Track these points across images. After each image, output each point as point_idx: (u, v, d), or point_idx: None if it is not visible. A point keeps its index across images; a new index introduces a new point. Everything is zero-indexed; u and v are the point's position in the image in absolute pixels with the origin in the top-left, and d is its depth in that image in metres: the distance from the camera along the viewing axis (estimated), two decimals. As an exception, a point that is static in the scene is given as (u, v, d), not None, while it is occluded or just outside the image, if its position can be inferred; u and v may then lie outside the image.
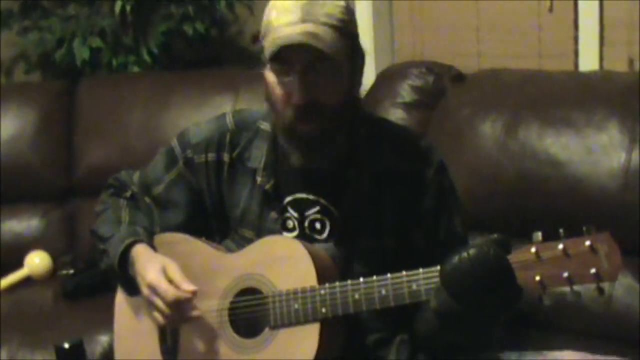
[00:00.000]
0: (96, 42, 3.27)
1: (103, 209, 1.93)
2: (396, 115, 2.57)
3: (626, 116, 2.22)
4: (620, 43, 2.82)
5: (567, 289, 1.46)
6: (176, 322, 1.75)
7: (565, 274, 1.45)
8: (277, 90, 1.66)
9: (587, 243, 1.45)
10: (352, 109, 1.74)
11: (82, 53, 3.25)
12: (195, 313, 1.71)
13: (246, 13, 3.49)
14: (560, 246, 1.46)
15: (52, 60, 3.37)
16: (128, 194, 1.94)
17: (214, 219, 1.85)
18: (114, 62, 3.30)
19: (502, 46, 3.07)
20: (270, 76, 1.68)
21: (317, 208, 1.77)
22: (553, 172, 2.25)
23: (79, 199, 3.00)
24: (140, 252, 1.79)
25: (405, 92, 2.64)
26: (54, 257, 2.87)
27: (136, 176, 1.95)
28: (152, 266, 1.75)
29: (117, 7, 3.24)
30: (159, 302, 1.72)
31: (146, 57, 3.29)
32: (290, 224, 1.78)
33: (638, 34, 2.76)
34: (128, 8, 3.26)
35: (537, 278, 1.47)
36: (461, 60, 2.85)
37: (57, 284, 2.73)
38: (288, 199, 1.78)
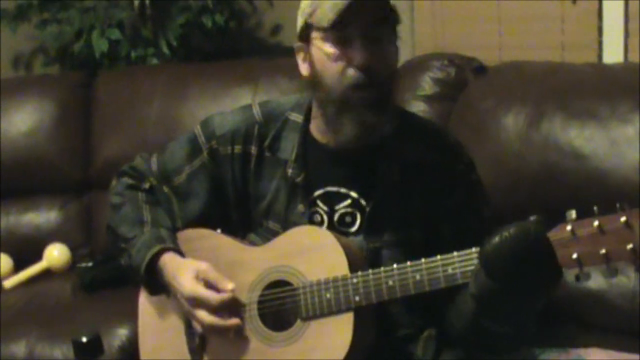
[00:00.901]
0: (115, 34, 3.27)
1: (121, 203, 1.89)
2: (417, 107, 2.54)
3: (651, 108, 2.18)
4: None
5: (603, 266, 1.43)
6: (221, 327, 1.72)
7: (603, 251, 1.42)
8: (332, 61, 1.65)
9: (623, 219, 1.42)
10: (395, 88, 1.73)
11: (100, 45, 3.24)
12: (234, 321, 1.70)
13: (265, 5, 3.48)
14: (596, 223, 1.43)
15: (70, 52, 3.38)
16: (147, 185, 1.90)
17: (236, 211, 1.83)
18: (133, 55, 3.29)
19: (524, 38, 3.04)
20: (320, 50, 1.67)
21: (347, 201, 1.75)
22: (577, 164, 2.22)
23: (97, 192, 2.99)
24: (168, 263, 1.77)
25: (427, 84, 2.61)
26: (72, 250, 2.87)
27: (154, 162, 1.91)
28: (184, 277, 1.73)
29: (136, -1, 3.24)
30: (201, 313, 1.70)
31: (165, 50, 3.28)
32: (317, 217, 1.77)
33: (663, 26, 2.72)
34: (147, 0, 3.25)
35: (575, 256, 1.44)
36: (483, 52, 2.81)
37: (75, 276, 2.72)
38: (318, 192, 1.77)
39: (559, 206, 2.20)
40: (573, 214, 1.46)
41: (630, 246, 1.41)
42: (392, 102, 1.71)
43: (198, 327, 1.75)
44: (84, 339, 1.43)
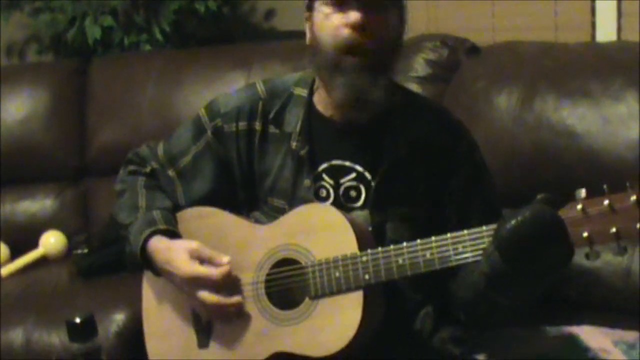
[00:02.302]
0: (108, 21, 3.27)
1: (122, 190, 1.90)
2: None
3: (644, 86, 2.18)
4: (638, 13, 2.77)
5: (613, 244, 1.45)
6: (225, 305, 1.72)
7: (613, 229, 1.43)
8: (328, 20, 1.66)
9: (633, 198, 1.43)
10: (395, 62, 1.72)
11: (93, 32, 3.25)
12: (237, 297, 1.71)
13: (258, -11, 3.48)
14: (607, 202, 1.44)
15: (64, 40, 3.37)
16: (148, 169, 1.91)
17: (243, 190, 1.83)
18: (126, 41, 3.29)
19: (518, 19, 3.03)
20: (319, 12, 1.68)
21: (352, 175, 1.75)
22: (570, 143, 2.22)
23: (92, 178, 3.00)
24: (158, 247, 1.77)
25: (420, 65, 2.61)
26: (69, 237, 2.87)
27: (160, 148, 1.91)
28: (178, 259, 1.73)
29: (129, -15, 3.23)
30: (204, 293, 1.70)
31: (158, 36, 3.28)
32: (323, 192, 1.76)
33: (656, 4, 2.72)
34: (139, -14, 3.26)
35: (585, 234, 1.45)
36: (476, 34, 2.81)
37: (71, 263, 2.72)
38: (323, 165, 1.76)
39: (553, 185, 2.23)
40: (583, 192, 1.47)
41: None
42: (387, 73, 1.70)
43: (202, 309, 1.75)
44: (78, 320, 1.43)
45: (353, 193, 1.75)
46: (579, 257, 1.49)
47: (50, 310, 2.43)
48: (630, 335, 1.99)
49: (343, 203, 1.75)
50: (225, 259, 1.71)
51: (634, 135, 2.16)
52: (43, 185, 3.00)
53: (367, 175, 1.74)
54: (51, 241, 2.84)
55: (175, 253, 1.74)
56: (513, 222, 1.46)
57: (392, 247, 1.60)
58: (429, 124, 1.77)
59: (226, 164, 1.83)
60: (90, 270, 2.65)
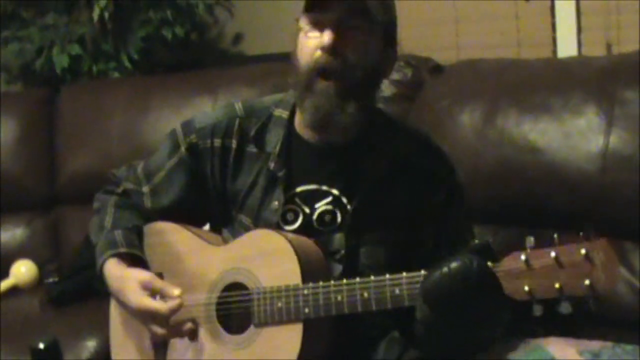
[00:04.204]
0: (75, 49, 3.27)
1: (97, 208, 1.90)
2: (375, 109, 2.56)
3: (603, 99, 2.22)
4: (598, 28, 2.83)
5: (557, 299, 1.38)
6: (176, 334, 1.72)
7: (557, 285, 1.36)
8: (305, 44, 1.66)
9: (583, 251, 1.36)
10: (373, 88, 1.72)
11: (61, 61, 3.25)
12: (188, 326, 1.71)
13: (226, 15, 3.49)
14: (553, 254, 1.38)
15: (32, 70, 3.37)
16: (120, 189, 1.90)
17: (216, 206, 1.82)
18: (94, 69, 3.30)
19: (481, 37, 3.08)
20: (300, 30, 1.68)
21: (328, 199, 1.74)
22: (532, 158, 2.25)
23: (62, 207, 3.00)
24: (111, 274, 1.76)
25: (384, 85, 2.59)
26: (40, 266, 2.87)
27: (140, 166, 1.91)
28: (128, 290, 1.72)
29: (96, 13, 3.24)
30: (154, 326, 1.70)
31: (126, 63, 3.29)
32: (291, 215, 1.75)
33: (615, 19, 2.76)
34: (107, 15, 3.26)
35: (526, 288, 1.39)
36: (440, 53, 2.85)
37: (43, 292, 2.72)
38: (299, 189, 1.76)
39: (516, 200, 2.27)
40: (532, 240, 1.41)
41: (587, 282, 1.35)
42: (360, 98, 1.68)
43: (155, 333, 1.74)
44: (41, 345, 1.44)
45: (328, 217, 1.74)
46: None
47: (21, 338, 2.36)
48: (594, 345, 2.01)
49: (315, 228, 1.74)
50: (176, 292, 1.69)
51: (595, 148, 2.19)
52: (13, 214, 2.99)
53: (344, 199, 1.74)
54: (22, 270, 2.84)
55: (127, 282, 1.73)
56: (437, 274, 1.46)
57: (332, 282, 1.60)
58: (409, 147, 1.76)
59: (201, 180, 1.82)
60: (62, 298, 2.65)
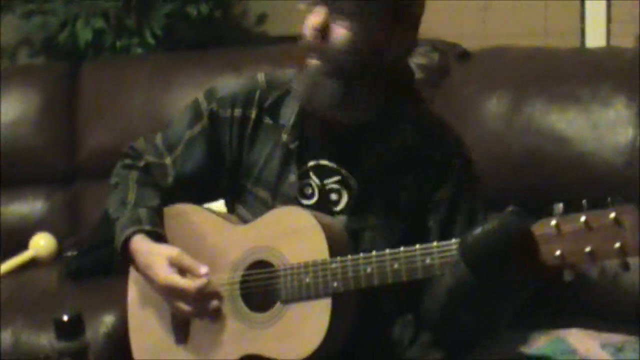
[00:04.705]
0: (99, 23, 3.25)
1: (115, 183, 1.89)
2: (400, 93, 2.54)
3: (633, 91, 2.21)
4: (628, 19, 2.81)
5: (587, 265, 1.37)
6: (201, 312, 1.72)
7: (588, 249, 1.36)
8: (305, 24, 1.65)
9: (612, 215, 1.35)
10: (375, 68, 1.68)
11: (84, 35, 3.23)
12: (214, 304, 1.70)
13: (250, -6, 3.48)
14: (583, 218, 1.37)
15: (55, 43, 3.36)
16: (142, 163, 1.88)
17: (228, 177, 1.82)
18: (117, 45, 3.28)
19: (508, 25, 3.06)
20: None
21: (336, 177, 1.74)
22: (558, 148, 2.24)
23: (82, 181, 3.00)
24: (139, 249, 1.75)
25: (410, 70, 2.61)
26: (59, 239, 2.87)
27: (158, 137, 1.90)
28: (157, 265, 1.72)
29: (120, -12, 3.23)
30: (179, 302, 1.70)
31: (149, 40, 3.27)
32: (308, 190, 1.75)
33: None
34: (131, -10, 3.26)
35: (558, 253, 1.38)
36: (467, 40, 2.82)
37: (61, 265, 2.72)
38: (311, 163, 1.75)
39: (541, 190, 2.26)
40: (560, 207, 1.41)
41: (617, 245, 1.34)
42: (353, 77, 1.66)
43: (181, 311, 1.75)
44: (65, 318, 1.43)
45: (334, 196, 1.74)
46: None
47: (39, 311, 2.43)
48: (617, 338, 2.00)
49: (326, 205, 1.74)
50: (203, 269, 1.69)
51: (622, 140, 2.18)
52: (33, 187, 2.99)
53: (351, 181, 1.73)
54: (41, 243, 2.84)
55: (156, 258, 1.73)
56: (479, 230, 1.45)
57: (361, 255, 1.60)
58: (424, 134, 1.73)
59: (218, 149, 1.82)
60: (80, 272, 2.64)
